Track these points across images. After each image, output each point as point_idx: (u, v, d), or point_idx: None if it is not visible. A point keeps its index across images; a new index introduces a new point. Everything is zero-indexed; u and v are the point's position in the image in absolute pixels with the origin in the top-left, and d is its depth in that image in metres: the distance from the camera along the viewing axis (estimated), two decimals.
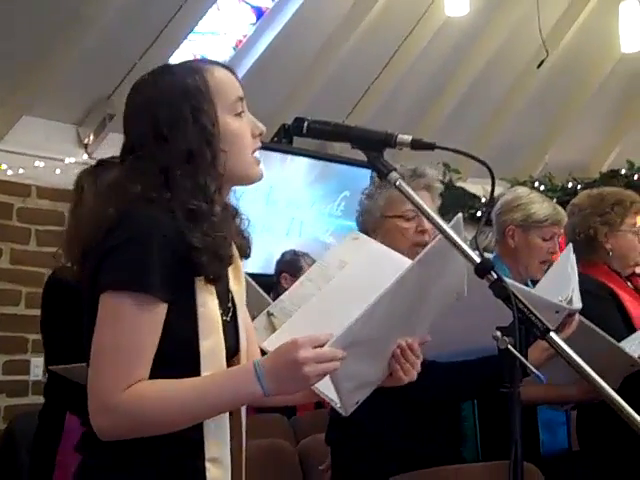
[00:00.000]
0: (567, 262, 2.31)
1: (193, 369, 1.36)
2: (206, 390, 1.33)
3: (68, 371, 2.54)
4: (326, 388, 1.37)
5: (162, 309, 1.34)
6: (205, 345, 1.37)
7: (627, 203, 2.78)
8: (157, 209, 1.35)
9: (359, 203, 2.38)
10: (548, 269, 3.04)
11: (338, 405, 1.40)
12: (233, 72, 1.50)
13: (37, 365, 4.60)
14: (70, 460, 2.57)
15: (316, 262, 1.74)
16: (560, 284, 2.21)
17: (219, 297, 1.42)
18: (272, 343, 1.50)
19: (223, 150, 1.42)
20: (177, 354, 1.35)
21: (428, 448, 2.18)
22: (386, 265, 1.66)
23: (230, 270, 1.49)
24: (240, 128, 1.45)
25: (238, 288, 1.52)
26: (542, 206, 2.74)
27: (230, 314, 1.47)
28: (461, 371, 2.11)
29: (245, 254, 1.55)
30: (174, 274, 1.34)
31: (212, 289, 1.40)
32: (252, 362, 1.33)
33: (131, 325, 1.31)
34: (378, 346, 1.44)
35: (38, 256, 4.61)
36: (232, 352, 1.45)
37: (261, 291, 2.86)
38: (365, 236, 1.79)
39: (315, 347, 1.29)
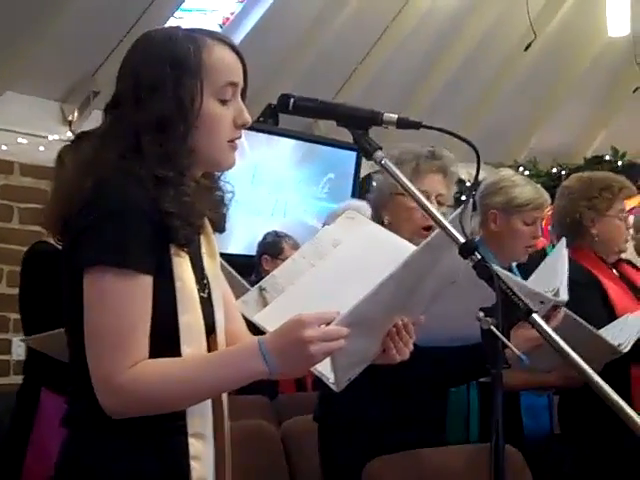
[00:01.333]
0: (559, 256, 2.30)
1: (172, 344, 1.35)
2: (210, 368, 1.33)
3: (43, 341, 2.53)
4: (319, 364, 1.37)
5: (148, 281, 1.33)
6: (183, 320, 1.36)
7: (615, 189, 2.76)
8: (131, 180, 1.34)
9: (373, 179, 2.38)
10: (536, 255, 3.05)
11: (331, 381, 1.39)
12: (240, 55, 1.46)
13: (19, 345, 4.56)
14: (45, 436, 2.57)
15: (310, 239, 1.73)
16: (549, 276, 2.20)
17: (195, 273, 1.41)
18: (264, 317, 1.50)
19: (196, 126, 1.40)
20: (155, 329, 1.34)
21: (413, 431, 2.18)
22: (381, 246, 1.66)
23: (204, 246, 1.49)
24: (219, 115, 1.42)
25: (212, 264, 1.51)
26: (524, 190, 2.70)
27: (206, 290, 1.47)
28: (446, 357, 2.11)
29: (219, 228, 1.53)
30: (153, 247, 1.33)
31: (188, 264, 1.39)
32: (256, 340, 1.32)
33: (121, 303, 1.30)
34: (376, 324, 1.45)
35: (21, 234, 4.58)
36: (210, 329, 1.44)
37: (237, 275, 2.83)
38: (361, 216, 1.78)
39: (320, 325, 1.29)
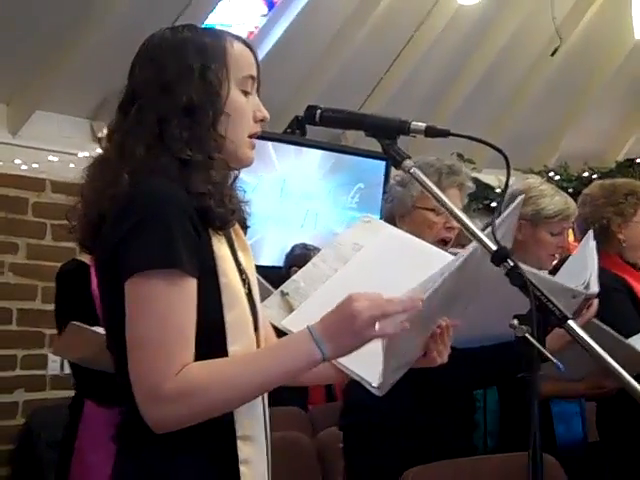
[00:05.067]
0: (586, 248, 2.28)
1: (219, 344, 1.30)
2: (261, 363, 1.27)
3: (62, 346, 2.57)
4: (359, 368, 1.34)
5: (193, 284, 1.27)
6: (230, 317, 1.32)
7: None
8: (163, 176, 1.31)
9: (389, 188, 2.41)
10: (563, 261, 3.02)
11: (374, 385, 1.36)
12: (254, 52, 1.47)
13: (54, 360, 4.62)
14: (87, 445, 2.61)
15: (328, 244, 1.72)
16: (578, 269, 2.19)
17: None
18: (292, 323, 1.48)
19: (227, 113, 1.37)
20: (201, 329, 1.28)
21: (441, 438, 2.17)
22: (404, 248, 1.66)
23: (235, 241, 1.45)
24: (243, 105, 1.41)
25: (247, 258, 1.47)
26: (552, 200, 2.67)
27: (247, 286, 1.42)
28: (479, 357, 2.10)
29: (243, 224, 1.50)
30: (196, 246, 1.29)
31: (230, 257, 1.36)
32: (306, 327, 1.27)
33: (167, 306, 1.24)
34: (425, 324, 1.42)
35: (54, 251, 4.63)
36: (255, 325, 1.39)
37: (268, 285, 2.84)
38: (377, 219, 1.78)
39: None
